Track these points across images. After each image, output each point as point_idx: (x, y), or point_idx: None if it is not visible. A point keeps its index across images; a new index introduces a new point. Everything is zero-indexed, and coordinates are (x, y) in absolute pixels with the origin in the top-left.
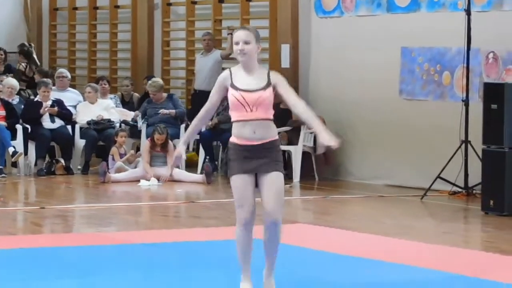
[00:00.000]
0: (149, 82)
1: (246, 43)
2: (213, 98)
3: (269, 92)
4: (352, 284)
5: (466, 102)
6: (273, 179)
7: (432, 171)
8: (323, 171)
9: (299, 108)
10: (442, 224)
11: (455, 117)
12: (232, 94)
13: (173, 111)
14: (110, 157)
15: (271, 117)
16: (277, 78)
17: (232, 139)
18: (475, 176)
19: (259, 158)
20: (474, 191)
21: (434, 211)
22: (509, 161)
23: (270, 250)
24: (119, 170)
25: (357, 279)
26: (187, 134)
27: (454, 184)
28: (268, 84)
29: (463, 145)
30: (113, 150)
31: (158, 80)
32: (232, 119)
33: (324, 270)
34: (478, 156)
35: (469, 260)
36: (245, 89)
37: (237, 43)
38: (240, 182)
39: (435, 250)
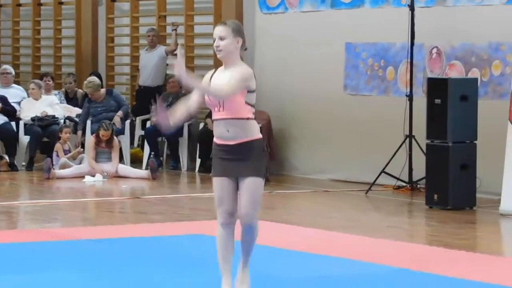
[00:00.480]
0: (85, 82)
1: (221, 38)
2: (193, 96)
3: None
4: (297, 278)
5: (410, 97)
6: (249, 185)
7: (377, 166)
8: (268, 166)
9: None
10: (386, 218)
11: (399, 112)
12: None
13: (120, 113)
14: (54, 153)
15: (248, 115)
16: (241, 72)
17: (214, 138)
18: (419, 170)
19: (238, 160)
20: (418, 186)
21: (379, 205)
22: (452, 155)
23: (245, 249)
24: (63, 166)
25: (302, 273)
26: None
27: (398, 179)
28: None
29: (407, 140)
30: (57, 146)
31: (93, 79)
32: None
33: (269, 265)
34: (422, 151)
35: (413, 254)
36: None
37: (214, 40)
38: (217, 184)
39: (380, 244)
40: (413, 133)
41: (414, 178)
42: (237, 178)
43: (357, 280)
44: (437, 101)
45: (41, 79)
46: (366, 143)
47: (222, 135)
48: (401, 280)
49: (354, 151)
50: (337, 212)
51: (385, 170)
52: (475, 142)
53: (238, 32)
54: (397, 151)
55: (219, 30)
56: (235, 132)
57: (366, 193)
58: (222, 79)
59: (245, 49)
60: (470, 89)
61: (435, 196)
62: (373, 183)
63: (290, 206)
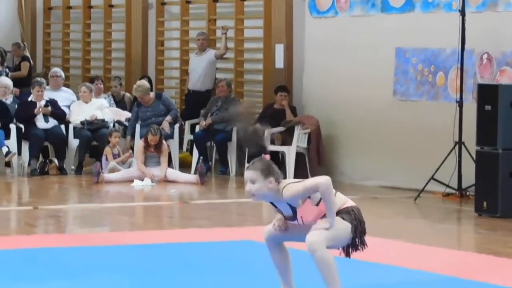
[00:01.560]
0: (134, 86)
1: (252, 182)
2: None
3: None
4: (346, 286)
5: (460, 103)
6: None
7: (426, 172)
8: (316, 172)
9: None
10: (435, 225)
11: (449, 118)
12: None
13: (169, 118)
14: (103, 157)
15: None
16: (286, 196)
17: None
18: (469, 177)
19: None
20: (467, 193)
21: (428, 213)
22: (502, 162)
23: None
24: (112, 170)
25: (350, 281)
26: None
27: (447, 186)
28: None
29: (457, 146)
30: (107, 150)
31: (143, 83)
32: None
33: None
34: (472, 157)
35: (462, 262)
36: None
37: (245, 182)
38: None
39: (428, 251)
40: (463, 140)
41: (464, 185)
42: None
43: (406, 287)
44: (487, 107)
45: (91, 82)
46: (415, 149)
47: None
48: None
49: (403, 157)
50: (386, 219)
51: (434, 176)
52: None
53: (268, 172)
54: (446, 157)
55: (249, 174)
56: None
57: (415, 200)
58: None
59: (278, 183)
60: None
61: (485, 204)
62: (422, 190)
63: None
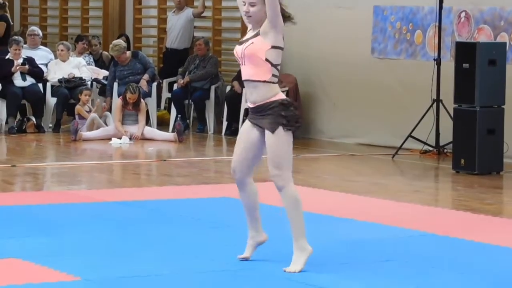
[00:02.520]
0: (110, 46)
1: (251, 4)
2: None
3: (258, 41)
4: (322, 242)
5: (438, 61)
6: (270, 141)
7: (404, 130)
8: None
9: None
10: (413, 182)
11: (427, 76)
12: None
13: (146, 77)
14: (76, 117)
15: (266, 77)
16: (265, 26)
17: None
18: (447, 135)
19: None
20: (445, 150)
21: (405, 170)
22: (480, 120)
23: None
24: (92, 124)
25: (327, 237)
26: None
27: (425, 143)
28: (257, 33)
29: (435, 104)
30: (78, 108)
31: (119, 42)
32: None
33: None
34: (450, 115)
35: (439, 219)
36: (239, 42)
37: (243, 3)
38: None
39: (406, 208)
40: (441, 98)
41: (441, 143)
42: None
43: (383, 244)
44: (465, 65)
45: (76, 41)
46: (393, 107)
47: (247, 97)
48: (427, 244)
49: (381, 115)
50: (363, 176)
51: (412, 134)
52: (502, 106)
53: None
54: (424, 115)
55: None
56: (255, 96)
57: (392, 157)
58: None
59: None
60: (498, 53)
61: (462, 161)
62: (400, 147)
63: (316, 170)
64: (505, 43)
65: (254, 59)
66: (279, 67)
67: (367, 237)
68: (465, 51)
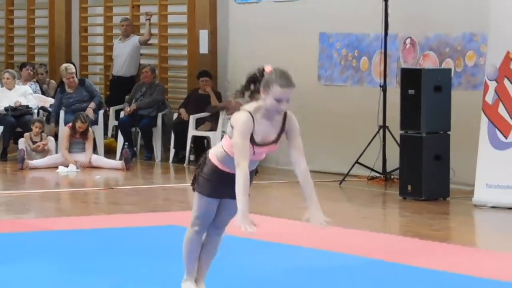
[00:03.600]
0: (63, 67)
1: (288, 101)
2: (247, 151)
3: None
4: (271, 269)
5: (384, 88)
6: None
7: (351, 157)
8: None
9: (299, 169)
10: (360, 209)
11: (373, 103)
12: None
13: (93, 105)
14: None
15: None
16: (292, 125)
17: (214, 161)
18: (393, 161)
19: (231, 184)
20: (392, 176)
21: (353, 196)
22: (426, 146)
23: (208, 258)
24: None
25: (276, 264)
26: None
27: (372, 169)
28: (281, 132)
29: (381, 131)
30: (26, 135)
31: (70, 65)
32: (224, 150)
33: (244, 256)
34: (396, 141)
35: (387, 245)
36: (259, 143)
37: (279, 100)
38: (208, 204)
39: (354, 235)
40: (387, 124)
41: (388, 169)
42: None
43: (332, 271)
44: (411, 91)
45: (21, 68)
46: (340, 133)
47: (233, 168)
48: (375, 271)
49: (328, 141)
50: None
51: (359, 160)
52: (448, 132)
53: None
54: (371, 141)
55: (289, 93)
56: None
57: (340, 183)
58: (271, 136)
59: None
60: (444, 79)
61: (409, 187)
62: (347, 174)
63: (265, 197)
64: (450, 69)
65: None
66: None
67: (315, 265)
68: (411, 78)
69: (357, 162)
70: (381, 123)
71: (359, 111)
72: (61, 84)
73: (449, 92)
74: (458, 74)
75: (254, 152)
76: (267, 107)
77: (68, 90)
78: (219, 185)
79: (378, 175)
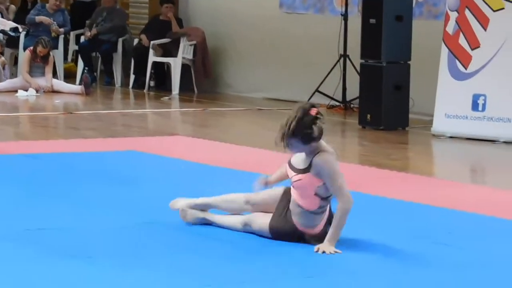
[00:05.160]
0: None
1: None
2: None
3: (308, 178)
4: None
5: (345, 16)
6: None
7: (311, 85)
8: (202, 84)
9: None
10: None
11: (335, 31)
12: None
13: (62, 31)
14: None
15: (311, 208)
16: (319, 167)
17: None
18: (353, 90)
19: None
20: (352, 105)
21: None
22: (386, 75)
23: None
24: None
25: (231, 189)
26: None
27: (332, 98)
28: (307, 169)
29: (342, 59)
30: None
31: None
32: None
33: (201, 182)
34: (356, 70)
35: (345, 173)
36: (290, 166)
37: None
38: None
39: None
40: (348, 53)
41: (348, 98)
42: None
43: None
44: (372, 20)
45: None
46: (301, 62)
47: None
48: (332, 199)
49: (289, 70)
50: (270, 131)
51: (319, 89)
52: (408, 62)
53: None
54: (331, 70)
55: None
56: (295, 219)
57: None
58: (299, 163)
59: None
60: (405, 9)
61: (368, 116)
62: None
63: (223, 124)
64: None
65: (303, 191)
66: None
67: None
68: (372, 7)
69: (317, 90)
70: (341, 52)
71: (320, 40)
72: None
73: (410, 22)
74: (420, 4)
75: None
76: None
77: (49, 10)
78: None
79: (338, 104)
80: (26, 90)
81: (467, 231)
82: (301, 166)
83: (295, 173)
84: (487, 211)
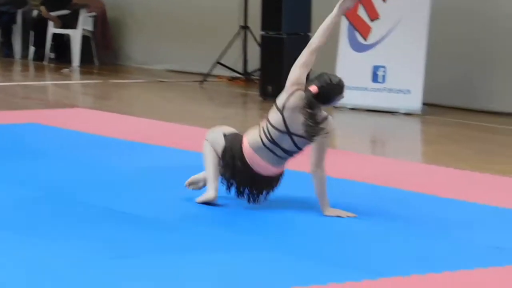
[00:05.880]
0: None
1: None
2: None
3: None
4: (130, 167)
5: None
6: None
7: (212, 57)
8: (102, 56)
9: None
10: (221, 109)
11: (235, 3)
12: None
13: None
14: None
15: None
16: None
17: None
18: (254, 62)
19: None
20: (253, 77)
21: (214, 96)
22: (287, 47)
23: None
24: None
25: (135, 163)
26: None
27: (233, 70)
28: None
29: (242, 31)
30: None
31: None
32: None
33: (102, 153)
34: (257, 42)
35: None
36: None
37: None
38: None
39: None
40: (248, 25)
41: (249, 70)
42: None
43: (189, 170)
44: None
45: None
46: (202, 33)
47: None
48: None
49: (190, 41)
50: (171, 103)
51: (220, 61)
52: (309, 34)
53: None
54: (232, 42)
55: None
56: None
57: (200, 83)
58: None
59: None
60: None
61: (269, 88)
62: (208, 74)
63: (125, 96)
64: None
65: None
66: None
67: (174, 163)
68: None
69: (218, 62)
70: (242, 24)
71: (221, 11)
72: None
73: None
74: None
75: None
76: None
77: None
78: None
79: (239, 76)
80: None
81: (367, 201)
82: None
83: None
84: (386, 182)
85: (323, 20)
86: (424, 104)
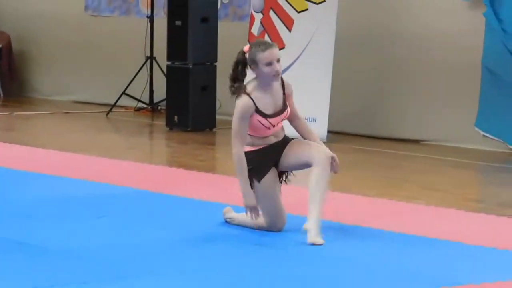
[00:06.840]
0: None
1: (279, 61)
2: (244, 133)
3: (290, 103)
4: (35, 199)
5: (151, 18)
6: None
7: (119, 87)
8: (8, 88)
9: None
10: (127, 139)
11: (141, 34)
12: (258, 121)
13: None
14: None
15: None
16: (290, 90)
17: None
18: (161, 92)
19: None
20: (159, 107)
21: (120, 127)
22: (192, 77)
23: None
24: None
25: (43, 194)
26: (248, 189)
27: (139, 100)
28: (284, 97)
29: (148, 61)
30: None
31: None
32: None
33: (8, 188)
34: (163, 72)
35: (153, 175)
36: (271, 115)
37: (270, 64)
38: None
39: (120, 166)
40: (154, 55)
41: (155, 100)
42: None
43: (96, 201)
44: (178, 22)
45: None
46: (108, 64)
47: (268, 142)
48: (140, 201)
49: (96, 72)
50: (78, 134)
51: (126, 91)
52: (215, 64)
53: None
54: (138, 72)
55: (276, 53)
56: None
57: (107, 114)
58: (278, 105)
59: None
60: (210, 11)
61: (176, 118)
62: (114, 105)
63: (30, 128)
64: (217, 1)
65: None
66: None
67: (80, 194)
68: (178, 9)
69: (124, 93)
70: (148, 54)
71: (127, 42)
72: None
73: (216, 24)
74: (225, 6)
75: (272, 125)
76: (264, 76)
77: None
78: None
79: (145, 106)
80: None
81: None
82: (279, 102)
83: (279, 115)
84: (295, 211)
85: (229, 49)
86: (329, 132)
